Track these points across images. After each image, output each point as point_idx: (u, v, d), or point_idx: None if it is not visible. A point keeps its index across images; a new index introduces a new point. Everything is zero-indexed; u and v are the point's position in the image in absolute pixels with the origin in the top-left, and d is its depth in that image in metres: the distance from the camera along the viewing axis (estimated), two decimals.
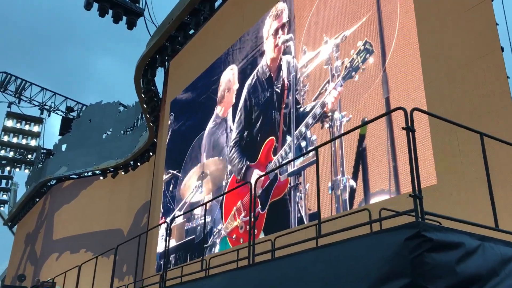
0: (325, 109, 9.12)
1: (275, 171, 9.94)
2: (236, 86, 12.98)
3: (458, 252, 3.20)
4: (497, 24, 6.54)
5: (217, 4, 15.97)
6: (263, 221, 10.03)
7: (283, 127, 10.25)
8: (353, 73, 8.60)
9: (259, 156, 10.86)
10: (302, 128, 9.60)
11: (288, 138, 10.02)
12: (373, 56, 8.32)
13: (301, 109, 9.83)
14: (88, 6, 16.94)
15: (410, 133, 3.58)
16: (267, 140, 10.71)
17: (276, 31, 11.58)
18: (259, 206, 10.20)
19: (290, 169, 9.62)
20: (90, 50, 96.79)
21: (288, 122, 10.15)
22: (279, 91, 10.81)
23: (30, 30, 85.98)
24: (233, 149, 12.10)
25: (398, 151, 7.32)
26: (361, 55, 8.53)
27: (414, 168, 3.47)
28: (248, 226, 9.87)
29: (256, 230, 10.00)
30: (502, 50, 6.40)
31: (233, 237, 10.95)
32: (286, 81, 10.65)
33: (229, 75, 13.57)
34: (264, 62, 11.78)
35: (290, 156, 9.78)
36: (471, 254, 3.28)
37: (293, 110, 10.14)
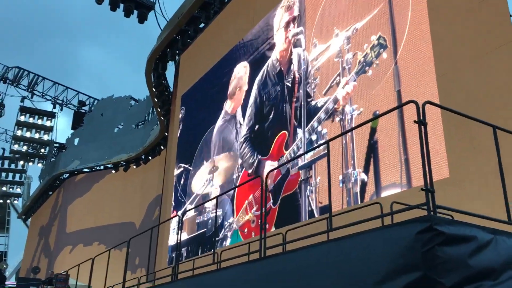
0: (337, 105, 9.08)
1: (287, 165, 9.93)
2: (246, 87, 12.98)
3: (471, 246, 3.19)
4: (511, 16, 6.45)
5: None
6: (275, 215, 10.05)
7: (294, 121, 10.23)
8: (367, 67, 8.54)
9: (271, 150, 10.85)
10: (314, 123, 9.57)
11: (300, 132, 10.00)
12: (386, 51, 8.26)
13: (313, 103, 9.79)
14: (99, 1, 17.01)
15: (422, 126, 3.56)
16: (279, 134, 10.70)
17: (287, 24, 11.53)
18: (271, 201, 10.22)
19: (301, 162, 9.62)
20: (78, 41, 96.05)
21: (299, 116, 10.13)
22: (289, 85, 10.78)
23: (15, 20, 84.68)
24: (244, 144, 12.11)
25: (409, 144, 7.28)
26: (374, 49, 8.47)
27: (426, 161, 3.45)
28: (259, 220, 9.88)
29: (268, 224, 10.03)
30: None
31: (245, 231, 10.99)
32: (296, 75, 10.61)
33: (242, 73, 13.56)
34: (274, 57, 11.75)
35: (302, 151, 9.77)
36: (484, 248, 3.27)
37: (303, 103, 10.11)
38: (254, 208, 10.84)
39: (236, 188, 11.70)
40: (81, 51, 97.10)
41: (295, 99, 10.43)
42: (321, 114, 9.42)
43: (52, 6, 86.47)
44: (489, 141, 4.31)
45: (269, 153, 10.94)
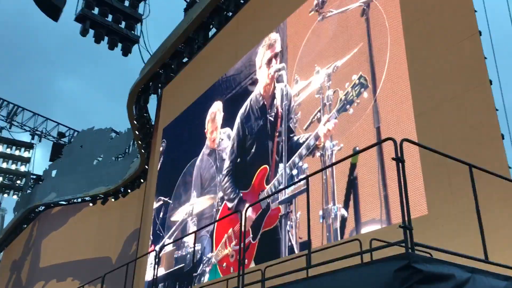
0: (318, 141, 9.17)
1: (267, 200, 9.89)
2: (216, 125, 13.19)
3: (449, 284, 3.18)
4: (485, 58, 6.68)
5: (211, 33, 16.18)
6: (254, 250, 9.92)
7: (276, 156, 10.27)
8: (348, 106, 8.68)
9: (252, 184, 10.82)
10: (295, 158, 9.61)
11: (281, 167, 10.01)
12: (367, 90, 8.42)
13: (295, 139, 9.86)
14: (84, 33, 17.06)
15: (400, 163, 3.60)
16: (260, 168, 10.71)
17: (270, 61, 11.73)
18: (251, 235, 10.12)
19: (282, 197, 9.59)
20: (55, 70, 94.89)
21: (281, 151, 10.17)
22: (272, 119, 10.87)
23: None
24: (226, 177, 12.06)
25: (389, 180, 7.35)
26: (355, 88, 8.63)
27: (404, 198, 3.47)
28: (244, 253, 9.77)
29: (246, 260, 9.88)
30: (491, 83, 6.51)
31: (224, 265, 10.81)
32: (279, 109, 10.72)
33: (214, 110, 13.80)
34: (257, 91, 11.89)
35: (282, 185, 9.76)
36: (462, 287, 3.26)
37: (285, 139, 10.18)
38: (234, 242, 10.70)
39: (216, 223, 11.57)
40: (58, 81, 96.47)
41: (277, 134, 10.50)
42: (302, 150, 9.47)
43: (30, 35, 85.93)
44: (466, 178, 4.37)
45: (250, 187, 10.90)
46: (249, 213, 10.23)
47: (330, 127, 8.95)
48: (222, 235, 11.23)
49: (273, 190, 9.95)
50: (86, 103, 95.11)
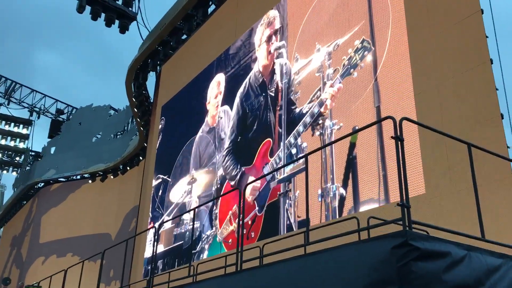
0: (323, 108, 9.07)
1: (272, 174, 9.90)
2: (215, 98, 13.08)
3: (445, 261, 3.22)
4: (486, 37, 6.63)
5: (210, 10, 16.00)
6: (261, 223, 9.97)
7: (279, 128, 10.25)
8: (352, 70, 8.62)
9: (255, 158, 10.83)
10: (299, 127, 9.57)
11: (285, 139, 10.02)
12: (371, 53, 8.34)
13: (297, 110, 9.80)
14: (80, 9, 16.86)
15: (399, 142, 3.60)
16: (263, 142, 10.69)
17: (269, 38, 11.62)
18: (257, 208, 10.16)
19: (281, 176, 9.62)
20: (33, 44, 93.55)
21: (284, 123, 10.15)
22: (273, 95, 10.84)
23: None
24: (227, 157, 12.07)
25: (388, 160, 7.37)
26: (359, 52, 8.57)
27: (402, 177, 3.49)
28: (243, 230, 9.85)
29: (253, 234, 9.97)
30: (492, 63, 6.47)
31: (229, 241, 10.89)
32: (280, 84, 10.67)
33: (211, 87, 13.72)
34: (256, 69, 11.81)
35: (282, 163, 9.78)
36: (458, 264, 3.30)
37: (284, 116, 10.16)
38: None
39: (218, 200, 11.63)
40: (37, 54, 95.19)
41: (278, 107, 10.48)
42: (307, 118, 9.42)
43: (7, 6, 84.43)
44: (465, 158, 4.38)
45: (253, 162, 10.92)
46: (255, 185, 10.24)
47: (333, 92, 8.89)
48: (226, 212, 11.30)
49: (278, 161, 9.95)
50: (65, 77, 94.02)
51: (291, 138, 9.76)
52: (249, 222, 10.12)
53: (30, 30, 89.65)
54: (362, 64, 8.43)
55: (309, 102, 9.49)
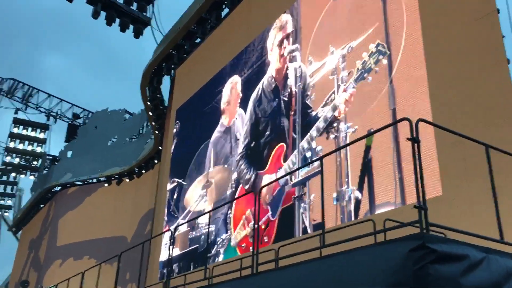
0: (336, 112, 9.05)
1: (286, 178, 9.90)
2: (235, 97, 13.06)
3: (463, 264, 3.18)
4: (503, 36, 6.55)
5: (223, 13, 16.07)
6: (274, 228, 9.96)
7: (293, 133, 10.24)
8: (366, 74, 8.58)
9: (269, 163, 10.84)
10: (313, 132, 9.55)
11: (298, 143, 10.00)
12: (386, 57, 8.29)
13: (313, 114, 9.78)
14: (95, 15, 17.08)
15: (415, 144, 3.58)
16: (277, 146, 10.69)
17: (281, 42, 11.63)
18: (270, 213, 10.15)
19: (295, 179, 9.60)
20: (39, 47, 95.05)
21: (298, 128, 10.13)
22: (286, 99, 10.83)
23: None
24: (240, 161, 12.09)
25: (404, 162, 7.31)
26: (373, 56, 8.52)
27: (418, 179, 3.46)
28: (259, 232, 9.90)
29: (266, 238, 9.97)
30: (508, 63, 6.39)
31: (243, 245, 10.89)
32: (294, 88, 10.66)
33: (228, 88, 13.74)
34: (269, 74, 11.82)
35: (296, 166, 9.76)
36: (476, 267, 3.26)
37: (298, 120, 10.14)
38: (252, 222, 10.78)
39: (232, 205, 11.64)
40: (43, 58, 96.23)
41: (292, 112, 10.47)
42: (320, 123, 9.40)
43: (13, 11, 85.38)
44: (482, 159, 4.33)
45: (266, 166, 10.92)
46: (268, 189, 10.25)
47: (346, 97, 8.86)
48: (240, 217, 11.30)
49: (291, 166, 9.95)
50: (71, 80, 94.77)
51: (304, 143, 9.74)
52: (262, 227, 10.11)
53: (35, 33, 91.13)
54: (376, 69, 8.38)
55: (323, 106, 9.46)
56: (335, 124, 9.00)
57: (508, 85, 6.29)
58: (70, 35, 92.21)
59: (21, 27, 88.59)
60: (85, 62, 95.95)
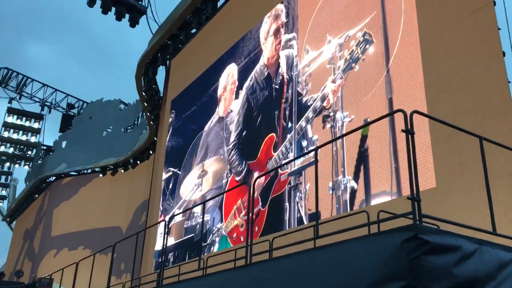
0: (325, 103, 9.08)
1: (276, 168, 9.91)
2: (231, 85, 13.02)
3: (455, 255, 3.19)
4: (499, 29, 6.53)
5: (219, 3, 15.96)
6: (264, 217, 10.00)
7: (283, 122, 10.24)
8: (353, 64, 8.60)
9: (259, 153, 10.84)
10: (302, 122, 9.57)
11: (289, 132, 10.02)
12: (375, 50, 8.29)
13: (303, 100, 9.79)
14: (91, 4, 16.94)
15: (410, 135, 3.57)
16: (267, 137, 10.71)
17: (277, 31, 11.58)
18: (260, 203, 10.18)
19: (291, 168, 9.61)
20: (24, 35, 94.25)
21: (289, 116, 10.13)
22: (278, 87, 10.83)
23: None
24: (232, 151, 12.09)
25: (400, 153, 7.31)
26: (360, 46, 8.53)
27: (412, 170, 3.46)
28: (253, 223, 9.95)
29: (257, 228, 10.00)
30: (504, 55, 6.38)
31: (233, 236, 10.94)
32: (285, 76, 10.64)
33: (225, 76, 13.69)
34: (261, 62, 11.80)
35: (291, 152, 9.76)
36: (468, 258, 3.27)
37: (294, 102, 10.12)
38: (243, 213, 10.81)
39: (225, 195, 11.65)
40: (28, 46, 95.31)
41: (283, 100, 10.46)
42: (309, 113, 9.43)
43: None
44: (475, 152, 4.34)
45: (257, 157, 10.92)
46: (258, 181, 10.27)
47: (333, 87, 8.89)
48: (231, 207, 11.33)
49: (281, 157, 9.96)
50: (58, 70, 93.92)
51: (297, 127, 9.76)
52: (253, 217, 10.14)
53: (20, 21, 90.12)
54: (363, 57, 8.37)
55: (316, 95, 9.45)
56: (331, 114, 9.00)
57: (503, 77, 6.29)
58: (55, 24, 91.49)
59: (6, 16, 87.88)
60: (72, 51, 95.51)
